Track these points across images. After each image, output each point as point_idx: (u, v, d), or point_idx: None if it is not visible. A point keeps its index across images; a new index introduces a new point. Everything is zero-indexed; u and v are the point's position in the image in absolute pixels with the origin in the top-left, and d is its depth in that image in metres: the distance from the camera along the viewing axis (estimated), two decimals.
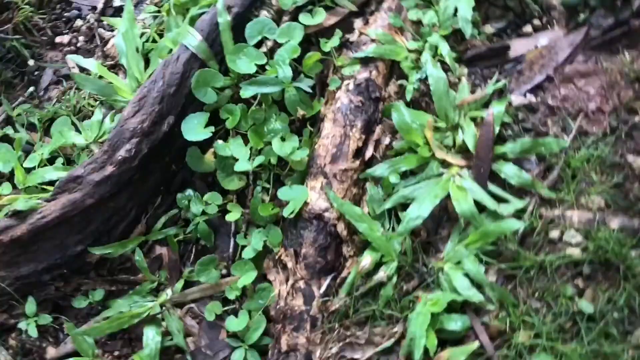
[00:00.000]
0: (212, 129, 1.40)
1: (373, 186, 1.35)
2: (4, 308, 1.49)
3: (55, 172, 1.54)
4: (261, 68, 1.42)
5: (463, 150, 1.35)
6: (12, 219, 1.43)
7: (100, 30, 1.87)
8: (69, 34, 1.90)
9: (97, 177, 1.37)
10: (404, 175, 1.34)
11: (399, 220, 1.30)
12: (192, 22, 1.51)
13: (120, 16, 1.73)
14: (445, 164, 1.34)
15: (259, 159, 1.38)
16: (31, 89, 1.84)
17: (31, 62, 1.86)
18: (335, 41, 1.44)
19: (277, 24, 1.46)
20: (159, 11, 1.70)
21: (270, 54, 1.45)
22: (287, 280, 1.34)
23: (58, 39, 1.90)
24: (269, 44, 1.47)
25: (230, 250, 1.44)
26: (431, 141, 1.34)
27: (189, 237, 1.48)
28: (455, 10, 1.45)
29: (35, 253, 1.44)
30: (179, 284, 1.44)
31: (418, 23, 1.49)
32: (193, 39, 1.42)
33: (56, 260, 1.44)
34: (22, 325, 1.45)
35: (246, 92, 1.38)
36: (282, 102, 1.43)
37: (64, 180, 1.41)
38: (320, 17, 1.45)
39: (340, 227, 1.30)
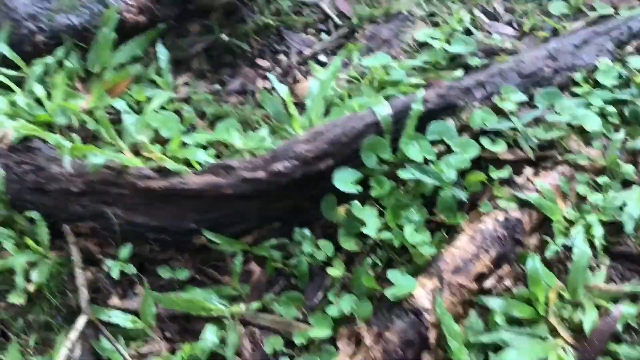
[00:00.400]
0: (360, 188, 1.47)
1: (478, 315, 1.34)
2: (101, 241, 1.58)
3: (206, 157, 1.66)
4: (425, 162, 1.50)
5: (576, 330, 1.33)
6: (155, 172, 1.55)
7: (297, 71, 2.05)
8: (270, 62, 2.11)
9: (246, 175, 1.46)
10: (511, 321, 1.33)
11: (486, 357, 1.28)
12: (386, 98, 1.64)
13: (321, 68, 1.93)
14: (554, 332, 1.32)
15: (386, 234, 1.42)
16: (217, 86, 2.03)
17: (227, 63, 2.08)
18: (503, 173, 1.50)
19: (459, 133, 1.55)
20: (357, 79, 1.86)
21: (438, 155, 1.53)
22: (354, 354, 1.33)
23: (259, 61, 2.10)
24: (442, 148, 1.55)
25: (316, 300, 1.46)
26: (551, 304, 1.33)
27: (286, 269, 1.51)
28: (623, 204, 1.47)
29: (157, 210, 1.53)
30: (256, 305, 1.46)
31: (583, 198, 1.52)
32: (383, 109, 1.54)
33: (168, 226, 1.52)
34: (108, 263, 1.52)
35: (405, 173, 1.46)
36: (429, 198, 1.48)
37: (217, 165, 1.52)
38: (499, 148, 1.53)
39: (432, 334, 1.29)
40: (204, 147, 1.75)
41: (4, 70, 1.87)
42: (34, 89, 1.83)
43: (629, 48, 1.70)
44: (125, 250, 1.53)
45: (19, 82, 1.87)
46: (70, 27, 1.93)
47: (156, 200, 1.54)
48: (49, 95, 1.84)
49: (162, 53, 1.97)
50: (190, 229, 1.53)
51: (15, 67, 1.89)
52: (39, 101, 1.83)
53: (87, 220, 1.59)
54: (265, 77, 2.06)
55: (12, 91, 1.84)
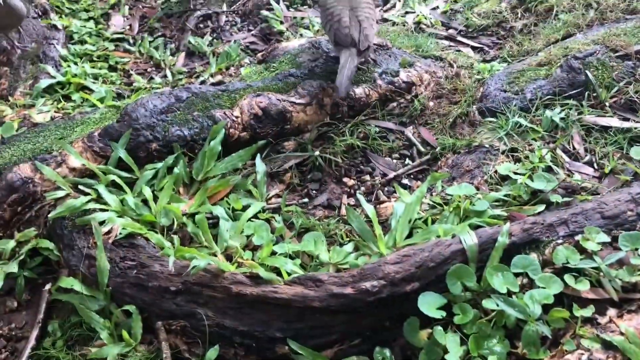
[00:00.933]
0: (443, 313, 1.52)
1: None
2: (190, 340, 1.67)
3: (294, 267, 1.76)
4: (508, 294, 1.54)
5: None
6: (248, 278, 1.66)
7: (380, 192, 2.17)
8: (355, 180, 2.25)
9: (334, 289, 1.55)
10: None
11: None
12: (470, 226, 1.73)
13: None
14: None
15: None
16: (305, 199, 2.17)
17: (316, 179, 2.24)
18: (587, 312, 1.51)
19: (542, 268, 1.60)
20: (440, 205, 1.96)
21: (521, 288, 1.57)
22: None
23: (345, 179, 2.25)
24: (525, 281, 1.60)
25: None
26: None
27: None
28: None
29: (245, 315, 1.62)
30: None
31: None
32: (470, 239, 1.61)
33: (255, 332, 1.60)
34: None
35: (490, 303, 1.50)
36: (511, 330, 1.51)
37: (307, 276, 1.62)
38: (583, 287, 1.56)
39: None
40: (291, 257, 1.87)
41: (119, 172, 2.09)
42: (143, 191, 2.03)
43: None
44: (212, 352, 1.61)
45: (131, 183, 2.08)
46: (181, 138, 2.15)
47: (246, 305, 1.63)
48: (155, 198, 2.03)
49: (260, 166, 2.14)
50: (275, 337, 1.60)
51: (129, 170, 2.10)
52: (145, 202, 2.02)
53: (179, 318, 1.69)
54: (350, 195, 2.19)
55: (124, 191, 2.04)
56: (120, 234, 1.89)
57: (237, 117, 2.21)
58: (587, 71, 2.28)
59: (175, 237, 1.91)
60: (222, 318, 1.65)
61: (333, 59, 2.49)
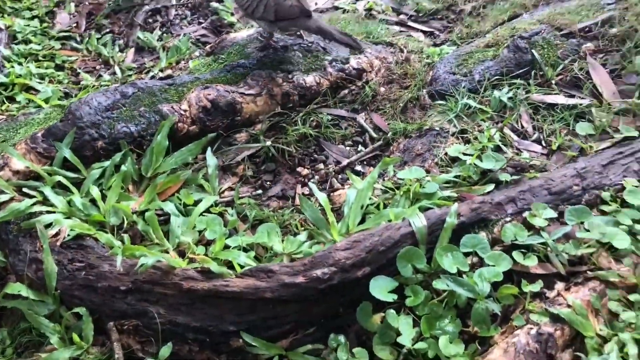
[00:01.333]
0: (395, 296, 1.52)
1: None
2: (142, 339, 1.64)
3: (247, 259, 1.74)
4: (459, 274, 1.55)
5: None
6: (199, 273, 1.64)
7: (334, 180, 2.16)
8: (309, 170, 2.23)
9: (286, 279, 1.54)
10: None
11: None
12: (420, 210, 1.73)
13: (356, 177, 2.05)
14: None
15: (421, 345, 1.45)
16: (259, 191, 2.15)
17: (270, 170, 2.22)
18: (535, 287, 1.54)
19: (491, 246, 1.61)
20: (392, 189, 1.96)
21: (471, 267, 1.59)
22: None
23: (299, 169, 2.23)
24: (475, 259, 1.61)
25: None
26: None
27: None
28: None
29: (198, 310, 1.60)
30: None
31: (615, 315, 1.54)
32: (419, 221, 1.62)
33: (208, 327, 1.58)
34: None
35: (440, 283, 1.51)
36: (462, 309, 1.52)
37: (258, 268, 1.60)
38: (531, 262, 1.58)
39: None
40: (245, 250, 1.84)
41: (65, 172, 2.03)
42: (91, 191, 1.98)
43: None
44: (165, 350, 1.58)
45: (78, 183, 2.03)
46: (127, 134, 2.10)
47: (198, 301, 1.61)
48: (103, 197, 1.98)
49: (211, 160, 2.11)
50: (229, 331, 1.58)
51: (75, 170, 2.05)
52: (94, 202, 1.97)
53: (130, 317, 1.66)
54: (304, 184, 2.18)
55: (71, 192, 1.99)
56: (68, 235, 1.84)
57: (185, 110, 2.17)
58: (533, 50, 2.30)
59: (126, 236, 1.87)
60: (174, 315, 1.62)
61: (282, 49, 2.46)
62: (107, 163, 2.06)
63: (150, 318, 1.62)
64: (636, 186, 1.73)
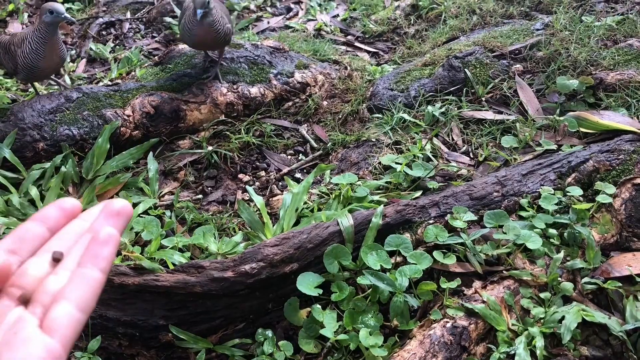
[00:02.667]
0: (320, 291, 1.58)
1: None
2: None
3: (181, 258, 1.79)
4: (383, 271, 1.63)
5: None
6: (132, 270, 1.67)
7: (274, 186, 2.23)
8: (250, 176, 2.30)
9: (215, 274, 1.58)
10: None
11: None
12: (350, 212, 1.81)
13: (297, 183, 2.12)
14: None
15: (343, 337, 1.52)
16: (199, 196, 2.20)
17: (212, 176, 2.26)
18: (453, 284, 1.62)
19: (414, 247, 1.70)
20: (327, 194, 2.04)
21: (396, 265, 1.67)
22: None
23: (240, 175, 2.30)
24: (399, 259, 1.69)
25: None
26: None
27: None
28: (562, 317, 1.59)
29: (128, 305, 1.62)
30: None
31: (527, 311, 1.64)
32: (346, 221, 1.70)
33: (139, 321, 1.61)
34: (77, 354, 1.58)
35: (364, 280, 1.58)
36: (385, 305, 1.60)
37: (189, 264, 1.64)
38: (450, 261, 1.67)
39: None
40: (181, 251, 1.89)
41: (4, 172, 2.05)
42: (29, 191, 1.99)
43: (569, 179, 1.90)
44: (94, 343, 1.60)
45: (17, 184, 2.04)
46: (70, 137, 2.13)
47: (129, 296, 1.63)
48: (42, 197, 2.00)
49: (152, 164, 2.15)
50: (159, 325, 1.61)
51: (15, 170, 2.06)
52: (32, 202, 1.99)
53: None
54: (245, 190, 2.24)
55: (9, 191, 2.00)
56: (3, 233, 1.85)
57: (128, 115, 2.22)
58: (466, 69, 2.44)
59: None
60: (105, 310, 1.64)
61: (229, 60, 2.54)
62: (47, 164, 2.08)
63: None
64: (551, 193, 1.85)
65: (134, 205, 2.04)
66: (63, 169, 2.06)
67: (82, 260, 0.65)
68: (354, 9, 3.58)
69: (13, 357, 0.58)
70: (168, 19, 3.53)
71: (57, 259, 0.65)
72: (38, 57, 2.19)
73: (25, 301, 0.61)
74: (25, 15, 3.70)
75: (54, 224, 0.68)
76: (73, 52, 3.42)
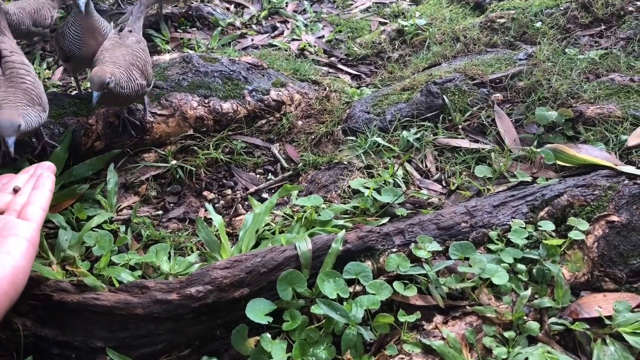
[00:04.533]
0: (270, 319, 1.49)
1: None
2: (3, 353, 1.54)
3: (130, 277, 1.69)
4: (339, 300, 1.54)
5: None
6: (73, 286, 1.57)
7: (240, 205, 2.15)
8: (216, 194, 2.21)
9: (159, 296, 1.49)
10: None
11: None
12: (311, 236, 1.72)
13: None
14: None
15: None
16: (160, 212, 2.11)
17: (175, 192, 2.18)
18: (412, 318, 1.53)
19: (374, 276, 1.61)
20: (291, 216, 1.95)
21: (354, 295, 1.58)
22: None
23: (205, 193, 2.21)
24: (358, 288, 1.60)
25: None
26: None
27: None
28: (526, 359, 1.49)
29: (66, 324, 1.52)
30: None
31: (488, 350, 1.54)
32: (304, 245, 1.61)
33: (75, 342, 1.50)
34: None
35: (318, 309, 1.49)
36: (339, 337, 1.50)
37: (133, 284, 1.54)
38: (411, 293, 1.58)
39: None
40: (133, 269, 1.79)
41: None
42: None
43: (542, 213, 1.83)
44: None
45: None
46: (27, 144, 2.04)
47: (67, 314, 1.53)
48: None
49: (112, 176, 2.07)
50: (96, 347, 1.50)
51: None
52: None
53: None
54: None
55: None
56: None
57: (91, 125, 2.14)
58: (444, 96, 2.39)
59: None
60: (41, 328, 1.53)
61: (202, 73, 2.48)
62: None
63: (15, 331, 1.53)
64: (522, 227, 1.77)
65: (89, 218, 1.94)
66: None
67: (36, 184, 1.17)
68: (340, 31, 3.54)
69: (8, 233, 1.05)
70: (150, 31, 3.47)
71: (16, 190, 1.21)
72: (77, 46, 2.23)
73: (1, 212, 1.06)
74: None
75: (8, 180, 1.22)
76: (50, 59, 3.35)
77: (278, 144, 2.42)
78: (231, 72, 2.52)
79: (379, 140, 2.25)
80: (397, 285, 1.59)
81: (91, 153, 2.13)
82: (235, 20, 3.62)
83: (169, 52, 3.32)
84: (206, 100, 2.36)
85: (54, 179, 1.17)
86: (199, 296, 1.48)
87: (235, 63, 2.59)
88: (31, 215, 1.08)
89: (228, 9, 3.78)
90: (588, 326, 1.53)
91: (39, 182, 1.16)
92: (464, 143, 2.23)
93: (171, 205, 2.16)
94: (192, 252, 1.90)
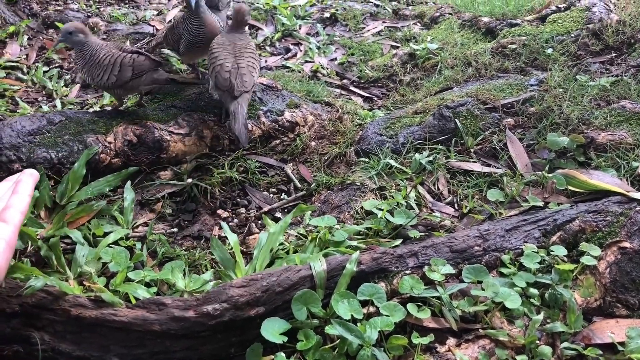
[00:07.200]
0: (285, 338, 1.50)
1: None
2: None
3: (145, 293, 1.71)
4: (353, 321, 1.55)
5: None
6: (91, 302, 1.59)
7: (253, 224, 2.17)
8: (230, 213, 2.24)
9: (176, 313, 1.51)
10: None
11: None
12: (326, 256, 1.74)
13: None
14: None
15: None
16: (175, 229, 2.13)
17: (190, 209, 2.21)
18: (425, 340, 1.54)
19: (388, 298, 1.63)
20: (305, 236, 1.97)
21: (368, 316, 1.59)
22: None
23: (219, 211, 2.24)
24: (372, 309, 1.62)
25: None
26: None
27: None
28: None
29: (84, 339, 1.54)
30: None
31: None
32: (319, 266, 1.63)
33: (91, 357, 1.52)
34: None
35: (332, 329, 1.50)
36: (353, 358, 1.51)
37: (150, 300, 1.57)
38: (424, 315, 1.59)
39: None
40: (149, 285, 1.81)
41: None
42: None
43: (554, 238, 1.84)
44: None
45: None
46: (47, 160, 2.08)
47: (85, 329, 1.55)
48: None
49: (128, 193, 2.10)
50: None
51: None
52: None
53: (12, 343, 1.58)
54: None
55: None
56: None
57: (110, 142, 2.18)
58: (456, 120, 2.42)
59: (26, 260, 1.82)
60: (59, 342, 1.55)
61: None
62: None
63: (33, 344, 1.55)
64: (535, 251, 1.79)
65: (105, 234, 1.97)
66: (36, 192, 2.00)
67: (15, 189, 1.20)
68: (352, 54, 3.59)
69: None
70: (166, 51, 3.53)
71: None
72: (195, 37, 2.57)
73: None
74: (25, 37, 3.71)
75: None
76: (68, 76, 3.41)
77: (291, 164, 2.45)
78: None
79: (392, 162, 2.28)
80: (410, 307, 1.60)
81: (109, 170, 2.16)
82: None
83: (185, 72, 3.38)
84: (222, 120, 2.40)
85: (34, 184, 1.25)
86: (216, 314, 1.50)
87: None
88: (9, 218, 1.15)
89: None
90: (601, 352, 1.54)
91: (17, 187, 1.23)
92: (476, 167, 2.26)
93: (186, 222, 2.18)
94: (207, 269, 1.93)
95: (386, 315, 1.57)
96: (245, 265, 1.86)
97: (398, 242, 1.90)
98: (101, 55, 2.24)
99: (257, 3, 4.14)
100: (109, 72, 2.21)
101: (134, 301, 1.65)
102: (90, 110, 2.99)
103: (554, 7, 3.31)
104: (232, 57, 2.33)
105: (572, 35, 3.03)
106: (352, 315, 1.55)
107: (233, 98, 2.23)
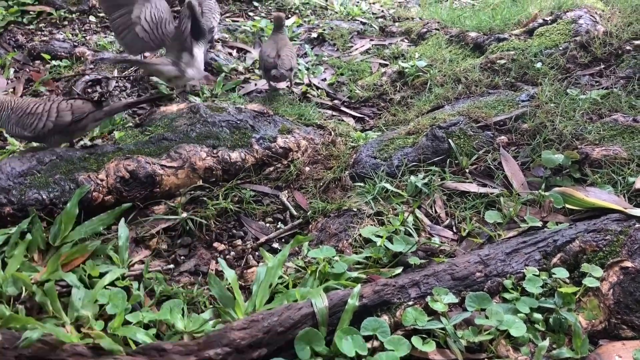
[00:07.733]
0: None
1: None
2: None
3: (145, 337, 1.68)
4: (358, 358, 1.53)
5: None
6: (89, 350, 1.55)
7: (250, 256, 2.14)
8: (226, 245, 2.21)
9: (177, 359, 1.47)
10: None
11: None
12: (326, 290, 1.72)
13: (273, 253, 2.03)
14: None
15: None
16: (171, 265, 2.10)
17: (185, 244, 2.18)
18: None
19: (392, 331, 1.61)
20: (304, 268, 1.95)
21: (373, 351, 1.57)
22: None
23: (215, 244, 2.21)
24: (376, 343, 1.59)
25: None
26: None
27: None
28: None
29: None
30: None
31: None
32: (320, 302, 1.60)
33: None
34: None
35: None
36: None
37: (151, 346, 1.53)
38: (429, 348, 1.57)
39: None
40: (147, 327, 1.78)
41: None
42: None
43: (554, 259, 1.83)
44: None
45: None
46: (39, 202, 2.05)
47: None
48: (4, 265, 1.89)
49: (123, 230, 2.07)
50: None
51: None
52: None
53: None
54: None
55: None
56: None
57: (102, 180, 2.15)
58: (450, 140, 2.41)
59: (21, 307, 1.78)
60: None
61: (210, 124, 2.50)
62: (13, 230, 1.99)
63: None
64: (536, 275, 1.78)
65: (101, 275, 1.94)
66: (29, 235, 1.97)
67: None
68: (342, 74, 3.59)
69: None
70: (155, 78, 3.51)
71: None
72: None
73: None
74: (12, 70, 3.68)
75: None
76: None
77: (286, 191, 2.43)
78: (238, 121, 2.55)
79: (387, 186, 2.26)
80: (415, 340, 1.58)
81: (102, 208, 2.13)
82: (238, 66, 3.67)
83: (174, 101, 3.36)
84: (214, 151, 2.38)
85: None
86: (218, 359, 1.47)
87: (242, 111, 2.62)
88: None
89: (230, 54, 3.83)
90: None
91: None
92: (472, 187, 2.25)
93: (182, 258, 2.15)
94: (206, 307, 1.89)
95: (391, 350, 1.55)
96: (245, 302, 1.83)
97: (398, 270, 1.88)
98: (30, 105, 2.27)
99: (244, 26, 4.13)
100: (44, 119, 2.21)
101: (133, 346, 1.62)
102: (81, 142, 2.96)
103: (540, 20, 3.33)
104: (275, 50, 3.13)
105: (561, 48, 3.05)
106: (356, 352, 1.53)
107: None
